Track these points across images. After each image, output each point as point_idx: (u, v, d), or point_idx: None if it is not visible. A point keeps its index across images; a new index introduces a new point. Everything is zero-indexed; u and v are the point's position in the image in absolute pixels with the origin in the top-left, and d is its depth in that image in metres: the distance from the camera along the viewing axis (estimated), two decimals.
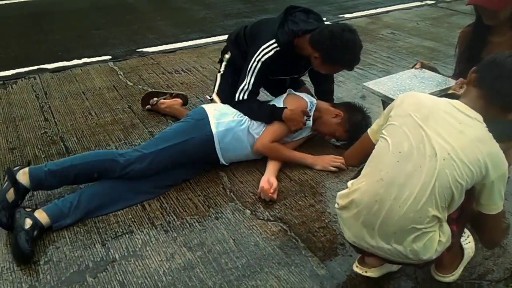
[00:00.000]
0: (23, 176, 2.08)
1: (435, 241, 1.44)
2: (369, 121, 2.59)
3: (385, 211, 1.44)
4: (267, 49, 2.43)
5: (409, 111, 1.51)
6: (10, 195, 2.04)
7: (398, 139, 1.48)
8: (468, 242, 1.81)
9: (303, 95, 2.63)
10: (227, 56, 2.83)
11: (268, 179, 2.30)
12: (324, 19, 5.42)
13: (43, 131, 2.90)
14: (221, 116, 2.43)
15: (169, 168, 2.27)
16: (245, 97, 2.49)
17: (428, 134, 1.44)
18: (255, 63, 2.45)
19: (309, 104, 2.56)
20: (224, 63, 2.85)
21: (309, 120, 2.53)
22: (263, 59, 2.43)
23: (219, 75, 2.85)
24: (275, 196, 2.23)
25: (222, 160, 2.44)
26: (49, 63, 4.01)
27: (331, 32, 2.33)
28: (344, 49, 2.31)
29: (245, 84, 2.49)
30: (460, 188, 1.40)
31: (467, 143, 1.42)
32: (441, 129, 1.45)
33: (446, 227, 1.48)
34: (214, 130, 2.37)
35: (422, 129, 1.45)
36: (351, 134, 2.55)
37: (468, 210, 1.54)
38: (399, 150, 1.46)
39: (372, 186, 1.48)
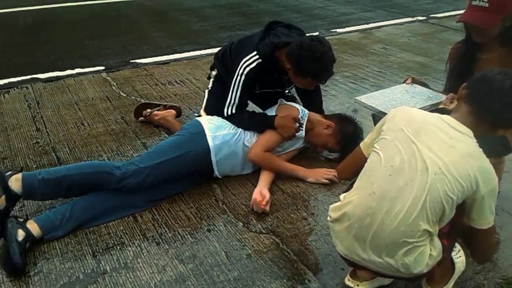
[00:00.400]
0: (15, 183, 2.04)
1: (426, 255, 1.46)
2: (360, 132, 2.62)
3: (376, 225, 1.46)
4: (249, 61, 2.45)
5: (401, 125, 1.53)
6: (1, 202, 2.00)
7: (390, 153, 1.50)
8: (459, 256, 1.83)
9: (294, 104, 2.66)
10: (214, 72, 2.87)
11: (261, 191, 2.30)
12: (317, 33, 5.50)
13: (35, 141, 2.88)
14: (216, 129, 2.44)
15: (164, 181, 2.27)
16: (233, 111, 2.51)
17: (420, 148, 1.46)
18: (239, 77, 2.47)
19: (300, 111, 2.58)
20: (211, 80, 2.89)
21: (302, 129, 2.55)
22: (246, 72, 2.45)
23: (207, 91, 2.90)
24: (267, 208, 2.23)
25: (216, 173, 2.44)
26: (42, 72, 4.01)
27: (301, 43, 2.35)
28: (311, 60, 2.31)
29: (231, 99, 2.50)
30: (451, 202, 1.42)
31: (458, 158, 1.44)
32: (433, 143, 1.47)
33: (437, 241, 1.49)
34: (210, 143, 2.37)
35: (413, 143, 1.47)
36: (342, 145, 2.57)
37: (459, 225, 1.56)
38: (391, 164, 1.48)
39: (364, 200, 1.49)
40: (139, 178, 2.19)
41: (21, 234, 1.91)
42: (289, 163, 2.56)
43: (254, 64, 2.45)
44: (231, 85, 2.49)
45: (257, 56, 2.45)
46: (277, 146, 2.54)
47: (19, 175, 2.07)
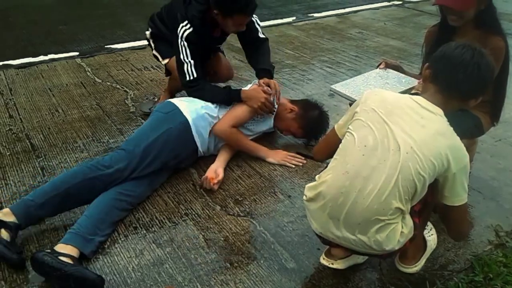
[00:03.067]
0: (8, 217, 1.88)
1: (398, 232, 1.49)
2: (326, 118, 2.64)
3: (350, 203, 1.49)
4: (184, 30, 2.49)
5: (374, 107, 1.55)
6: (4, 235, 1.83)
7: (363, 133, 1.53)
8: (431, 234, 1.88)
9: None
10: (147, 32, 2.99)
11: (216, 170, 2.33)
12: (294, 18, 5.49)
13: (8, 128, 2.83)
14: (190, 104, 2.44)
15: (156, 166, 2.22)
16: (194, 72, 2.51)
17: (392, 129, 1.49)
18: (182, 49, 2.50)
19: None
20: (150, 40, 3.00)
21: (275, 107, 2.55)
22: (184, 43, 2.49)
23: (154, 52, 2.98)
24: (216, 187, 2.27)
25: (200, 149, 2.43)
26: (14, 59, 3.91)
27: None
28: None
29: (185, 64, 2.51)
30: (423, 180, 1.45)
31: (429, 137, 1.47)
32: (404, 124, 1.50)
33: (409, 219, 1.53)
34: (188, 117, 2.36)
35: (386, 124, 1.50)
36: (306, 130, 2.60)
37: (430, 204, 1.60)
38: (364, 144, 1.51)
39: (338, 179, 1.52)
40: (134, 168, 2.13)
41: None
42: (253, 142, 2.57)
43: (188, 32, 2.49)
44: (178, 53, 2.52)
45: (188, 25, 2.49)
46: (246, 121, 2.53)
47: (6, 210, 1.90)
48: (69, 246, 1.80)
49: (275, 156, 2.54)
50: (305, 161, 2.52)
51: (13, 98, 3.22)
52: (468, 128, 2.15)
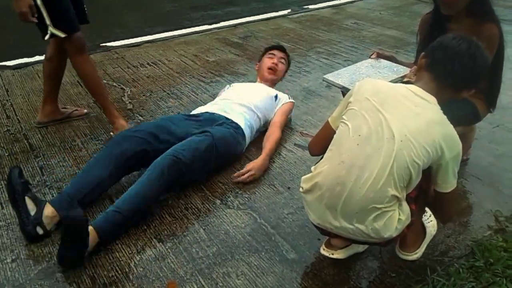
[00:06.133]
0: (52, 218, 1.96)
1: (395, 219, 1.50)
2: None
3: (346, 193, 1.49)
4: None
5: (367, 96, 1.56)
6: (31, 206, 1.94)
7: (357, 123, 1.53)
8: (430, 221, 1.89)
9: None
10: None
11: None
12: (289, 10, 5.49)
13: (6, 129, 2.83)
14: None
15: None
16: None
17: (386, 117, 1.49)
18: None
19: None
20: None
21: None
22: None
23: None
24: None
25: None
26: (10, 59, 3.91)
27: None
28: None
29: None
30: (417, 168, 1.46)
31: (423, 125, 1.48)
32: (398, 112, 1.50)
33: (405, 206, 1.54)
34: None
35: (380, 112, 1.51)
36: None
37: (426, 190, 1.61)
38: (359, 134, 1.51)
39: (334, 169, 1.53)
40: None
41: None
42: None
43: None
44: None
45: None
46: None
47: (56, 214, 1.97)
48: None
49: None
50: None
51: (10, 99, 3.22)
52: (465, 115, 2.16)
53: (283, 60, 2.98)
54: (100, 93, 2.73)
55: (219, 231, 2.01)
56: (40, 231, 1.92)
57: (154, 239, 1.96)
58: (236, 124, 2.49)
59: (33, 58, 3.93)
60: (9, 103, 3.16)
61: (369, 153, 1.47)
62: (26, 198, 1.93)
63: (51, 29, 2.41)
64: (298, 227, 2.03)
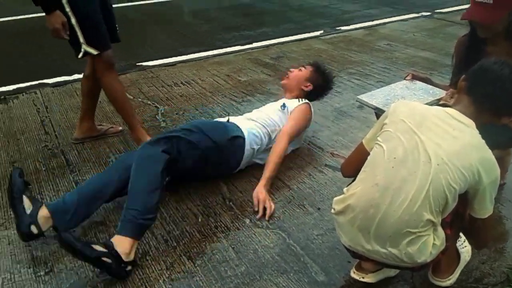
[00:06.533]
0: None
1: (430, 244, 1.46)
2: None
3: (380, 215, 1.47)
4: None
5: (403, 117, 1.54)
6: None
7: (392, 145, 1.51)
8: (464, 246, 1.83)
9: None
10: None
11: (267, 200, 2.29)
12: (321, 31, 5.52)
13: (44, 145, 2.93)
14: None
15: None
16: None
17: (422, 139, 1.47)
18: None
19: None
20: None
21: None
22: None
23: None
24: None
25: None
26: (50, 77, 4.07)
27: None
28: None
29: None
30: (454, 192, 1.43)
31: (460, 148, 1.45)
32: (435, 135, 1.48)
33: (440, 231, 1.50)
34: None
35: (416, 135, 1.48)
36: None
37: (461, 214, 1.56)
38: (394, 156, 1.49)
39: (368, 191, 1.51)
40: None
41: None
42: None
43: None
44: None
45: None
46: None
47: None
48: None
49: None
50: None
51: (49, 115, 3.34)
52: (504, 140, 2.10)
53: (301, 68, 2.95)
54: (128, 111, 2.79)
55: (248, 250, 2.00)
56: (34, 230, 1.94)
57: (183, 256, 1.97)
58: (235, 124, 2.51)
59: (72, 76, 4.08)
60: (48, 119, 3.27)
61: (404, 176, 1.45)
62: (24, 196, 1.98)
63: (84, 47, 2.50)
64: (328, 249, 2.00)
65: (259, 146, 2.53)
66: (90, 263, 1.82)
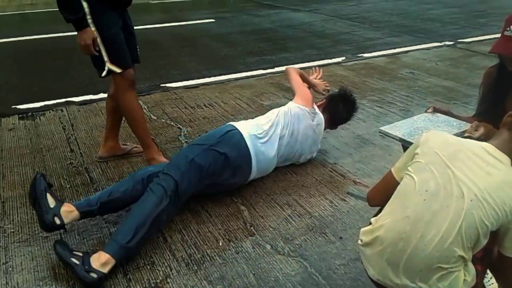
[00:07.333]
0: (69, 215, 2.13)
1: (461, 280, 1.43)
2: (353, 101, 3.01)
3: (410, 249, 1.44)
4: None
5: (436, 149, 1.52)
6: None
7: (424, 177, 1.49)
8: (491, 283, 1.78)
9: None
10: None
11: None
12: (343, 58, 5.54)
13: (69, 162, 2.97)
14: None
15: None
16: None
17: (456, 174, 1.45)
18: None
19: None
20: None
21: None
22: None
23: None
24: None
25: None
26: (76, 96, 4.16)
27: None
28: None
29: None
30: (486, 229, 1.40)
31: (495, 185, 1.42)
32: (468, 169, 1.45)
33: (471, 267, 1.46)
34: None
35: (449, 168, 1.47)
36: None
37: (492, 251, 1.53)
38: (426, 189, 1.47)
39: (398, 224, 1.48)
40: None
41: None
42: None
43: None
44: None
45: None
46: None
47: (73, 210, 2.15)
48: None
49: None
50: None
51: (74, 133, 3.40)
52: None
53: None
54: (144, 130, 2.83)
55: (269, 277, 1.98)
56: (57, 221, 2.06)
57: (204, 281, 1.96)
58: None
59: (98, 95, 4.17)
60: (74, 137, 3.33)
61: (436, 209, 1.43)
62: (48, 194, 2.11)
63: (108, 65, 2.56)
64: (350, 279, 1.97)
65: (262, 131, 2.60)
66: (62, 260, 1.96)
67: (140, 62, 2.88)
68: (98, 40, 2.49)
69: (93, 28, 2.46)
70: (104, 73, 2.60)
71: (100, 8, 2.47)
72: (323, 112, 2.92)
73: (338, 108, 2.96)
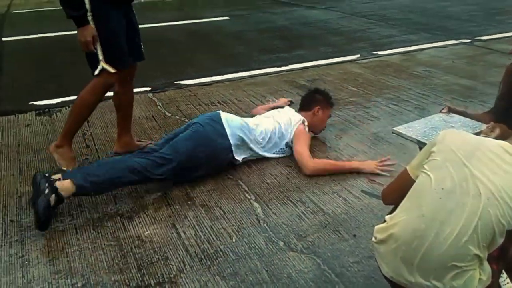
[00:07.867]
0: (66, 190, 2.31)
1: (476, 279, 1.42)
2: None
3: (425, 247, 1.43)
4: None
5: (452, 147, 1.50)
6: (52, 200, 2.24)
7: (441, 175, 1.48)
8: (506, 283, 1.76)
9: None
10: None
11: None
12: (358, 55, 5.51)
13: (85, 158, 3.01)
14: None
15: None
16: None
17: (473, 172, 1.43)
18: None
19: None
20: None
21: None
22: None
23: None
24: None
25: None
26: None
27: None
28: None
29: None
30: (502, 228, 1.38)
31: (511, 184, 1.40)
32: (485, 167, 1.43)
33: (487, 265, 1.45)
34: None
35: (466, 166, 1.45)
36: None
37: (507, 249, 1.51)
38: (442, 187, 1.45)
39: (413, 222, 1.47)
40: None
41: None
42: (340, 161, 2.89)
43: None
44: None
45: None
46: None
47: (69, 183, 2.31)
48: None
49: (369, 167, 2.77)
50: (395, 162, 2.78)
51: (90, 129, 3.44)
52: None
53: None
54: (75, 129, 2.88)
55: (282, 274, 1.99)
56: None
57: (217, 276, 1.97)
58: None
59: (112, 92, 4.18)
60: (89, 133, 3.37)
61: (452, 208, 1.42)
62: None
63: (102, 64, 2.59)
64: (363, 277, 1.96)
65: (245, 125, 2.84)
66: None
67: (144, 59, 2.90)
68: (96, 37, 2.52)
69: (92, 24, 2.49)
70: (97, 72, 2.62)
71: (101, 6, 2.50)
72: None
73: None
